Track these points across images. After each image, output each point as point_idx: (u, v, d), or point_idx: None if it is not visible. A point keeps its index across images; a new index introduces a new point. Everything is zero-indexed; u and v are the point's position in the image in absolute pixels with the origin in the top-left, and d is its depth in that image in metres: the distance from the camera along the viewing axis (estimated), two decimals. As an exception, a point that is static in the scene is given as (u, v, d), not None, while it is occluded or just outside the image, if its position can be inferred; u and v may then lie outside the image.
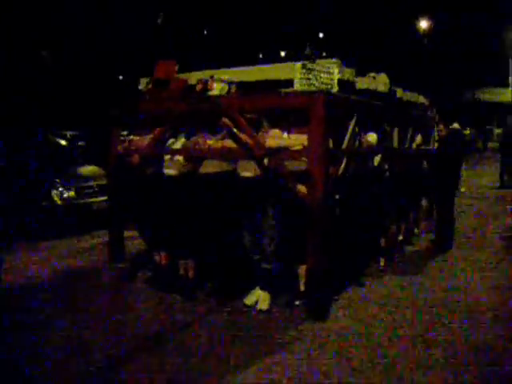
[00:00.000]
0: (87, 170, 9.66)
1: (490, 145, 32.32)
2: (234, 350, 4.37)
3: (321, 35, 38.79)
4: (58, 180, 8.95)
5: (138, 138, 6.11)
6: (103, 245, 7.55)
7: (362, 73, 6.46)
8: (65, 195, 8.86)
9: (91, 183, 9.16)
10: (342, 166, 5.46)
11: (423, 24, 34.05)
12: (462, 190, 13.65)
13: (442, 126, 8.03)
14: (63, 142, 12.31)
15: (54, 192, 8.82)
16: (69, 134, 16.18)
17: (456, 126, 14.09)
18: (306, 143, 4.99)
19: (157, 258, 6.04)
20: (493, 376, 4.00)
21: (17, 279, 6.20)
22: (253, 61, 6.17)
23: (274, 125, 5.38)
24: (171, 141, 5.88)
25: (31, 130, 12.51)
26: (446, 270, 6.74)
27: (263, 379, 3.92)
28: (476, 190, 14.30)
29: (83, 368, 4.07)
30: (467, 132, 25.38)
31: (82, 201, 8.98)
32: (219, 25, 30.84)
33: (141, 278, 6.25)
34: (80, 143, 14.57)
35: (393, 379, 3.93)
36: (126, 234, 6.95)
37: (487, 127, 34.00)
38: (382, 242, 6.76)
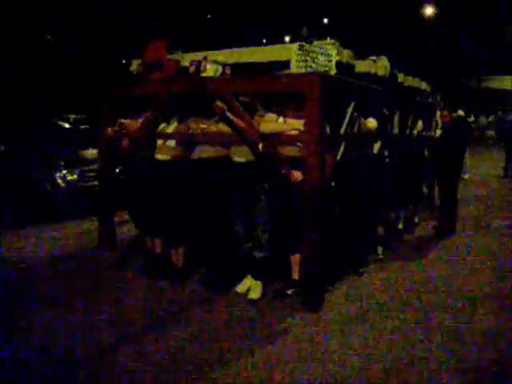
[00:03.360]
0: (90, 153, 9.38)
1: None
2: (226, 340, 4.23)
3: (325, 20, 38.34)
4: (61, 163, 8.90)
5: (129, 121, 5.91)
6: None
7: (365, 57, 6.26)
8: (68, 178, 8.80)
9: (94, 166, 8.84)
10: (340, 152, 5.26)
11: (428, 10, 33.56)
12: (466, 177, 13.51)
13: (446, 113, 7.95)
14: (67, 125, 12.21)
15: (57, 175, 8.78)
16: (72, 117, 16.03)
17: (461, 112, 13.92)
18: (302, 128, 4.80)
19: (149, 244, 5.89)
20: (494, 362, 3.90)
21: (7, 265, 6.08)
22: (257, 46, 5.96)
23: (269, 108, 5.18)
24: (163, 125, 5.68)
25: (35, 114, 12.38)
26: (448, 257, 6.64)
27: (259, 369, 3.80)
28: (480, 179, 14.11)
29: (73, 356, 3.97)
30: (471, 119, 25.10)
31: (85, 184, 8.86)
32: (223, 10, 30.52)
33: (132, 265, 6.07)
34: (83, 126, 14.43)
35: (394, 368, 3.81)
36: (118, 219, 6.81)
37: (498, 115, 33.51)
38: (381, 230, 6.58)
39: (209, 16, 32.74)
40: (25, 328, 4.47)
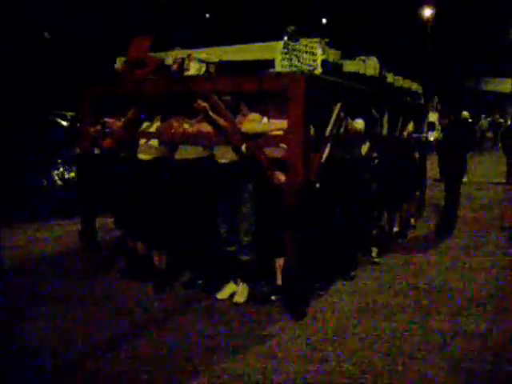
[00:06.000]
0: None
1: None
2: (216, 342, 4.15)
3: (324, 21, 38.14)
4: (59, 160, 8.89)
5: (112, 120, 5.78)
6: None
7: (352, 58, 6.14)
8: (66, 176, 8.82)
9: None
10: (325, 153, 5.13)
11: (427, 11, 33.41)
12: (464, 180, 13.36)
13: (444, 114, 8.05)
14: (64, 123, 12.16)
15: (55, 172, 8.80)
16: (70, 114, 15.92)
17: (465, 114, 13.79)
18: (285, 128, 4.67)
19: (131, 245, 5.78)
20: (491, 364, 3.86)
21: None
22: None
23: (253, 108, 5.06)
24: (146, 124, 5.57)
25: (33, 111, 12.30)
26: (444, 259, 6.58)
27: (254, 369, 3.73)
28: (480, 182, 13.97)
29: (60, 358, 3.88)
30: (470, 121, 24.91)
31: None
32: (220, 10, 30.39)
33: (115, 268, 5.97)
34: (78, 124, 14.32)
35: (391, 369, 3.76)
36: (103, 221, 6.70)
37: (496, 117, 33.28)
38: (374, 232, 6.45)
39: (207, 15, 32.61)
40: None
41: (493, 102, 36.64)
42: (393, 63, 6.64)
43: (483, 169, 16.84)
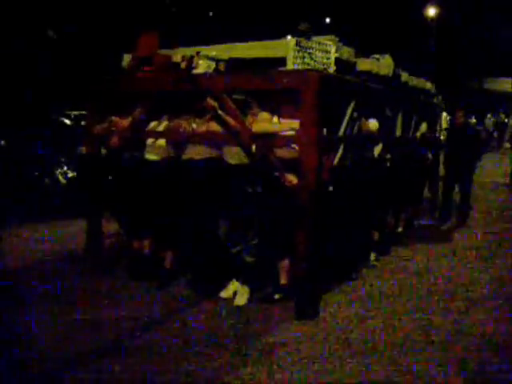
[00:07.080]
0: None
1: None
2: (218, 343, 4.07)
3: (327, 20, 37.93)
4: (62, 159, 8.85)
5: (119, 118, 5.64)
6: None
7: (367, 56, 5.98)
8: (69, 175, 8.77)
9: None
10: (338, 154, 4.98)
11: (431, 11, 33.15)
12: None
13: (460, 114, 8.18)
14: (68, 122, 12.12)
15: (58, 171, 8.75)
16: (73, 113, 15.89)
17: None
18: (297, 128, 4.52)
19: (135, 245, 5.67)
20: (493, 365, 3.83)
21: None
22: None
23: (264, 107, 4.91)
24: (154, 123, 5.43)
25: (37, 110, 12.28)
26: (447, 259, 6.48)
27: (257, 370, 3.66)
28: (485, 182, 13.79)
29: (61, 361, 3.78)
30: (474, 121, 24.81)
31: None
32: (224, 8, 30.27)
33: (118, 268, 5.87)
34: (85, 123, 14.24)
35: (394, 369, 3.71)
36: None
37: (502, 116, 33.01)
38: (375, 235, 6.28)
39: (211, 13, 32.48)
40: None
41: (497, 101, 36.37)
42: (396, 63, 6.46)
43: (487, 168, 16.63)
